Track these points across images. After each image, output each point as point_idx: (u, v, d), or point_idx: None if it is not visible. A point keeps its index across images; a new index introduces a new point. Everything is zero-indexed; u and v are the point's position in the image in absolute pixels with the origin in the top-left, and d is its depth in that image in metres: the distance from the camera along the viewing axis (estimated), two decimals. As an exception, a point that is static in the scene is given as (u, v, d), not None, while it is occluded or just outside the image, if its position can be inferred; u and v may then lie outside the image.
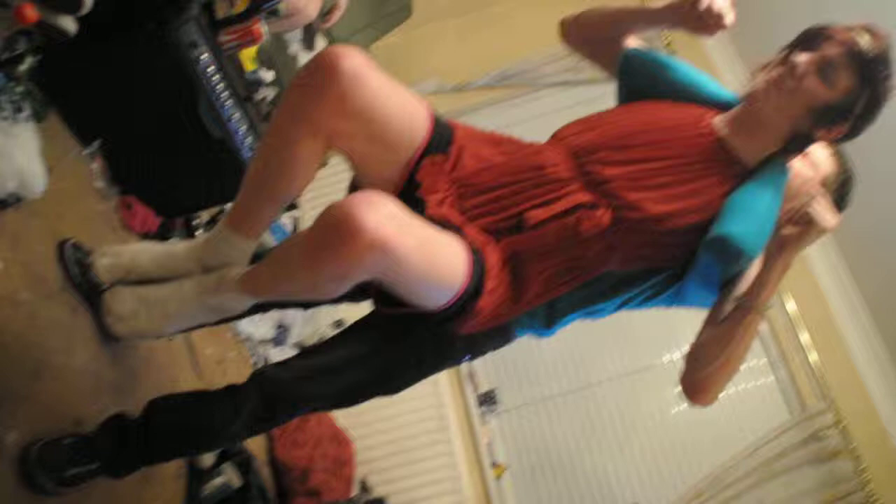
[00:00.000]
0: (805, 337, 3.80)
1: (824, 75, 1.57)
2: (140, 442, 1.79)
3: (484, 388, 4.02)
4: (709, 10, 1.58)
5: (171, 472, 2.34)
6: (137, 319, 1.81)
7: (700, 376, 1.58)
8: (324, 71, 1.51)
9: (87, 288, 2.03)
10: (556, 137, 1.78)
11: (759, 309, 1.53)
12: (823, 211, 1.52)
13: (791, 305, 3.84)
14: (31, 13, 1.58)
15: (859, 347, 3.82)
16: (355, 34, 3.92)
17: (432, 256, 1.43)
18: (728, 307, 1.58)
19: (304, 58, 3.34)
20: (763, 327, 3.88)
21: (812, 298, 3.88)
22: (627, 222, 1.60)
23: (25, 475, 1.66)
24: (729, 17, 1.59)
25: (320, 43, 3.53)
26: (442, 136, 1.67)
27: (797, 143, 1.67)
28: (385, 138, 1.60)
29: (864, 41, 1.54)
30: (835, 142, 1.70)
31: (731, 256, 1.54)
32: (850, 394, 3.71)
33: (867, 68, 1.54)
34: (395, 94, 1.58)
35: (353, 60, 1.50)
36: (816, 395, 3.73)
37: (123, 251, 1.89)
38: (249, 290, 1.72)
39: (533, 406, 4.04)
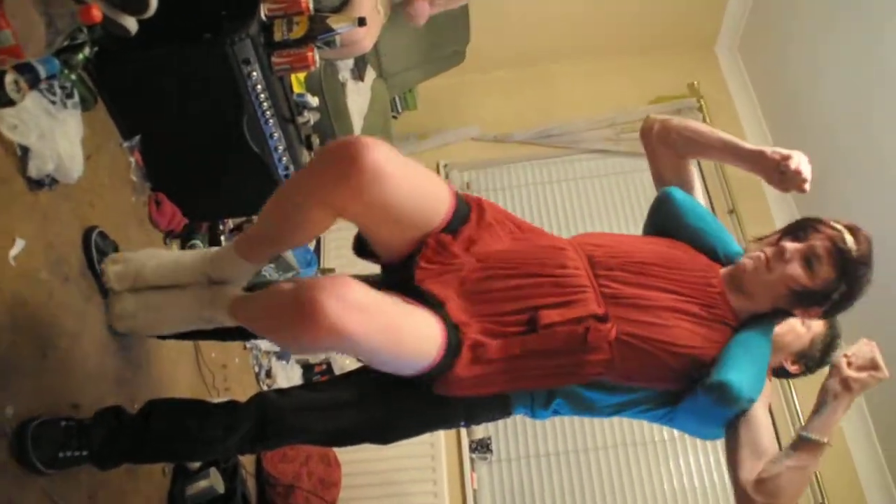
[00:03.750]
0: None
1: (808, 264, 1.71)
2: (133, 440, 1.84)
3: (479, 435, 4.02)
4: (796, 171, 1.72)
5: (158, 467, 2.37)
6: (135, 319, 1.94)
7: None
8: (346, 162, 1.53)
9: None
10: (577, 242, 1.84)
11: (830, 443, 1.63)
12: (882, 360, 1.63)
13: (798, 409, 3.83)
14: (97, 14, 1.66)
15: (863, 458, 3.80)
16: (406, 70, 3.99)
17: (398, 338, 1.49)
18: (762, 438, 1.69)
19: (352, 86, 3.41)
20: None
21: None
22: (631, 339, 1.69)
23: (19, 450, 1.71)
24: (808, 185, 1.72)
25: (370, 74, 3.62)
26: (458, 218, 1.73)
27: (777, 315, 1.82)
28: (398, 222, 1.66)
29: (848, 240, 1.69)
30: (814, 319, 1.89)
31: (730, 401, 1.65)
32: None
33: (846, 265, 1.69)
34: (415, 185, 1.63)
35: (377, 155, 1.52)
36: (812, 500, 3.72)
37: (132, 258, 1.99)
38: (235, 316, 1.81)
39: (525, 461, 4.02)
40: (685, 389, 1.74)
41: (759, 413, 1.71)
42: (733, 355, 1.69)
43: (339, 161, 1.55)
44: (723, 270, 1.83)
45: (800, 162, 1.72)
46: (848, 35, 3.80)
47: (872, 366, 1.61)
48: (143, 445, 1.85)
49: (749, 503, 1.65)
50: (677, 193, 1.94)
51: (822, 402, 1.66)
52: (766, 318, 1.81)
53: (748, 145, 1.83)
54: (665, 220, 1.95)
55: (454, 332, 1.59)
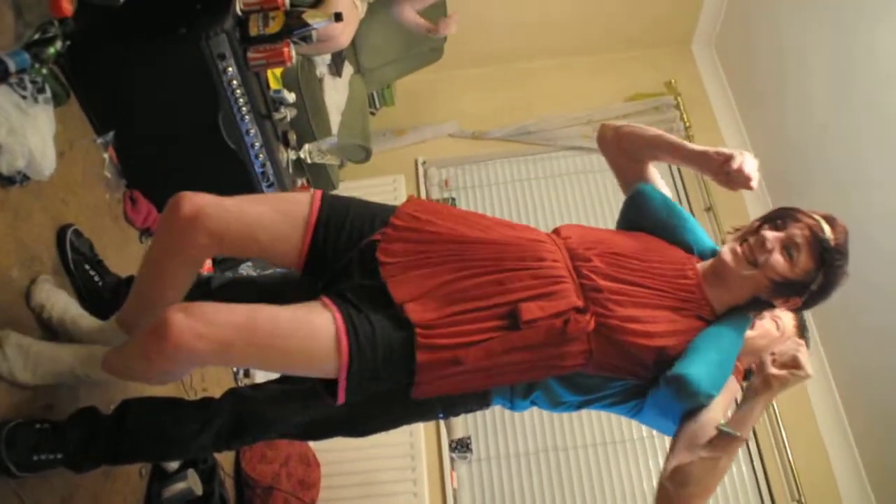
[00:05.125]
0: (785, 435, 3.80)
1: (788, 253, 1.71)
2: (108, 441, 1.82)
3: (459, 434, 4.00)
4: (738, 171, 1.71)
5: (135, 469, 2.34)
6: (12, 364, 1.80)
7: (685, 496, 1.63)
8: (172, 213, 1.67)
9: (81, 278, 2.08)
10: (557, 233, 1.85)
11: (744, 438, 1.61)
12: (807, 360, 1.62)
13: (774, 403, 3.83)
14: (67, 6, 1.62)
15: (838, 453, 3.80)
16: (384, 66, 3.97)
17: (271, 348, 1.50)
18: (705, 432, 1.65)
19: (330, 82, 3.39)
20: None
21: (796, 399, 3.88)
22: (608, 332, 1.68)
23: None
24: (755, 182, 1.72)
25: (348, 69, 3.59)
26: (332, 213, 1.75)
27: (757, 305, 1.81)
28: (256, 239, 1.70)
29: (826, 230, 1.70)
30: (793, 310, 1.86)
31: (688, 395, 1.65)
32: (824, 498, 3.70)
33: (825, 254, 1.69)
34: (249, 209, 1.70)
35: (193, 201, 1.66)
36: (789, 494, 3.73)
37: (52, 296, 1.97)
38: (108, 371, 1.78)
39: (505, 460, 4.02)
40: (653, 382, 1.75)
41: (713, 409, 1.70)
42: (697, 349, 1.69)
43: (168, 213, 1.69)
44: (700, 264, 1.83)
45: (742, 161, 1.71)
46: (822, 32, 3.82)
47: (794, 364, 1.60)
48: (118, 445, 1.83)
49: (661, 490, 1.66)
50: (651, 191, 1.95)
51: (744, 398, 1.67)
52: (741, 311, 1.81)
53: (694, 147, 1.83)
54: (639, 216, 1.94)
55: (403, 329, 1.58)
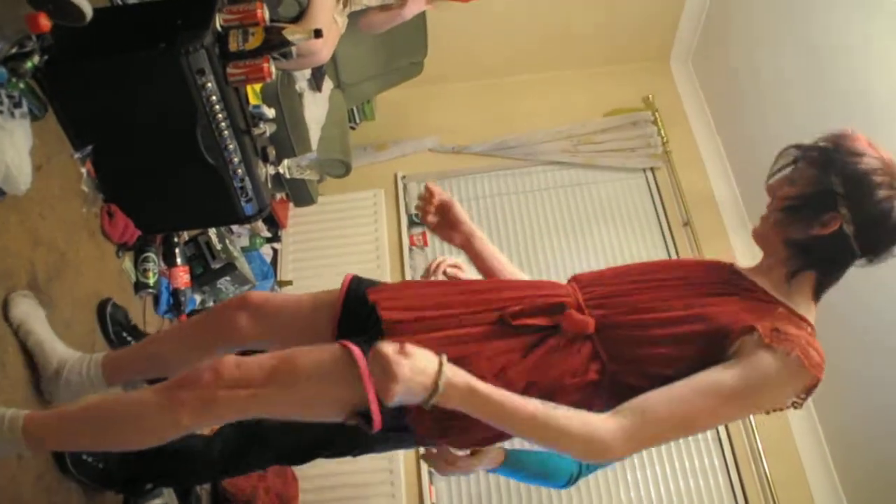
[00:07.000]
0: (760, 446, 3.83)
1: (790, 181, 1.61)
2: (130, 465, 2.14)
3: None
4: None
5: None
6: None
7: None
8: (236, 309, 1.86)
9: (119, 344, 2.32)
10: (574, 280, 1.78)
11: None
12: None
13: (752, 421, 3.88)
14: (45, 22, 1.63)
15: (813, 466, 3.84)
16: (364, 81, 3.98)
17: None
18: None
19: (310, 97, 3.39)
20: (722, 431, 3.94)
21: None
22: (616, 329, 1.59)
23: None
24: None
25: (328, 84, 3.60)
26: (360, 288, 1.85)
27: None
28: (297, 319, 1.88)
29: (809, 142, 1.61)
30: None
31: None
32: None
33: (823, 156, 1.56)
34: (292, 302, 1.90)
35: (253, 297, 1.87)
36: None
37: (31, 313, 2.00)
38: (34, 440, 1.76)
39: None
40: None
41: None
42: None
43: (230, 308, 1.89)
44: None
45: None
46: (798, 48, 3.86)
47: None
48: (141, 471, 2.15)
49: None
50: None
51: None
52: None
53: None
54: None
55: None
